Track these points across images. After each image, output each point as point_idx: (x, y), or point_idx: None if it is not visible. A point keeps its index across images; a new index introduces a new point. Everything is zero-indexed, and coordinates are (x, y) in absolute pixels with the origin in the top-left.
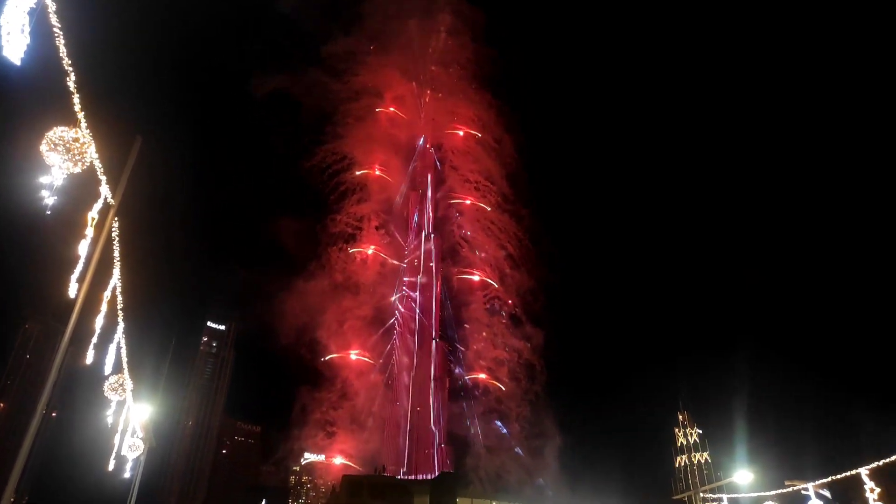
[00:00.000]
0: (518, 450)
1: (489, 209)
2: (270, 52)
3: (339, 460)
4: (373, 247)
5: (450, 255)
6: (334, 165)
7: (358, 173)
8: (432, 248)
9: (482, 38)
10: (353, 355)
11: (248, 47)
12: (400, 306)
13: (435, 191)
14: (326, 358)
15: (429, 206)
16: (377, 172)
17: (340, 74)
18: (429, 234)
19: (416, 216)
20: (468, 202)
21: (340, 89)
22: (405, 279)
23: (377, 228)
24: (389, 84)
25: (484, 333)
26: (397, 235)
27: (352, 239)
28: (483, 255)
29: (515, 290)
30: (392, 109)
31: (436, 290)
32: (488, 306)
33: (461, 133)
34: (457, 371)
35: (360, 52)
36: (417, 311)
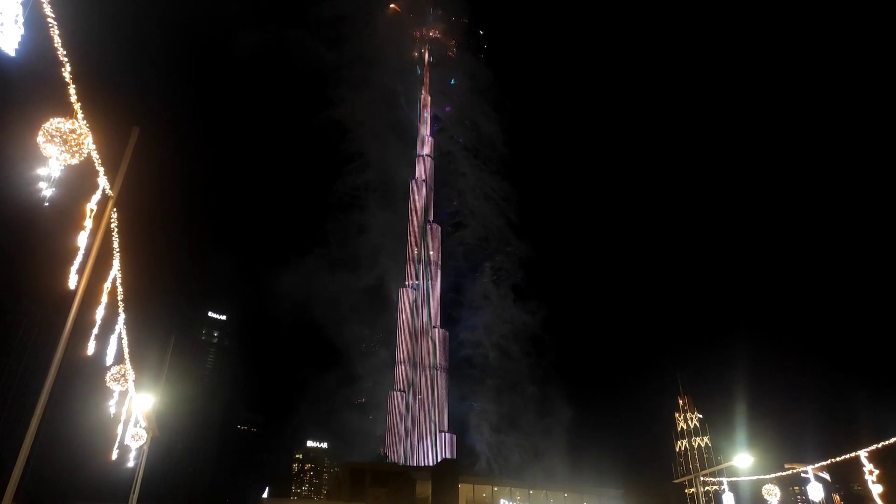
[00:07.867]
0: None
1: (490, 176)
2: (263, 25)
3: (341, 447)
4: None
5: (453, 227)
6: (331, 135)
7: (355, 142)
8: (433, 234)
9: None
10: (354, 339)
11: (242, 29)
12: (402, 292)
13: (435, 178)
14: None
15: (429, 193)
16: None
17: (334, 43)
18: (430, 221)
19: (416, 200)
20: (469, 170)
21: (334, 58)
22: (407, 266)
23: (378, 198)
24: (384, 53)
25: (489, 309)
26: (398, 202)
27: (350, 209)
28: (485, 224)
29: (518, 261)
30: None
31: (437, 276)
32: (494, 279)
33: (460, 102)
34: (461, 350)
35: (352, 21)
36: (424, 297)
